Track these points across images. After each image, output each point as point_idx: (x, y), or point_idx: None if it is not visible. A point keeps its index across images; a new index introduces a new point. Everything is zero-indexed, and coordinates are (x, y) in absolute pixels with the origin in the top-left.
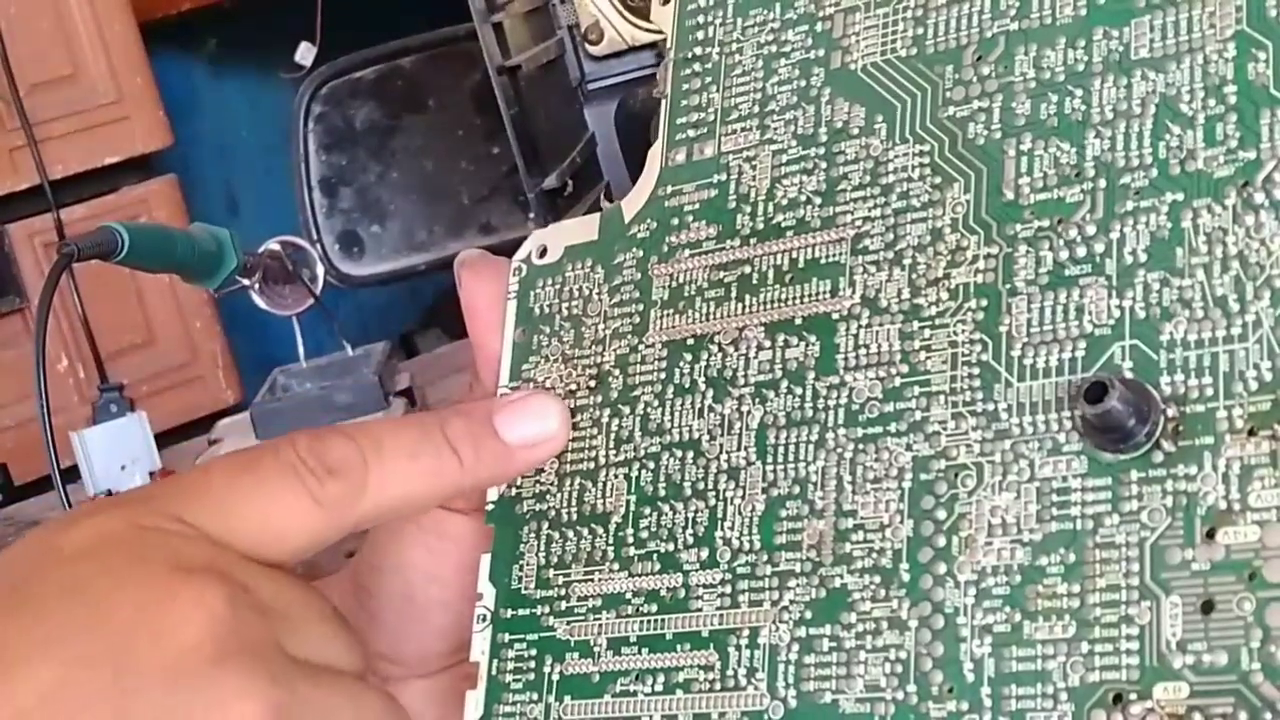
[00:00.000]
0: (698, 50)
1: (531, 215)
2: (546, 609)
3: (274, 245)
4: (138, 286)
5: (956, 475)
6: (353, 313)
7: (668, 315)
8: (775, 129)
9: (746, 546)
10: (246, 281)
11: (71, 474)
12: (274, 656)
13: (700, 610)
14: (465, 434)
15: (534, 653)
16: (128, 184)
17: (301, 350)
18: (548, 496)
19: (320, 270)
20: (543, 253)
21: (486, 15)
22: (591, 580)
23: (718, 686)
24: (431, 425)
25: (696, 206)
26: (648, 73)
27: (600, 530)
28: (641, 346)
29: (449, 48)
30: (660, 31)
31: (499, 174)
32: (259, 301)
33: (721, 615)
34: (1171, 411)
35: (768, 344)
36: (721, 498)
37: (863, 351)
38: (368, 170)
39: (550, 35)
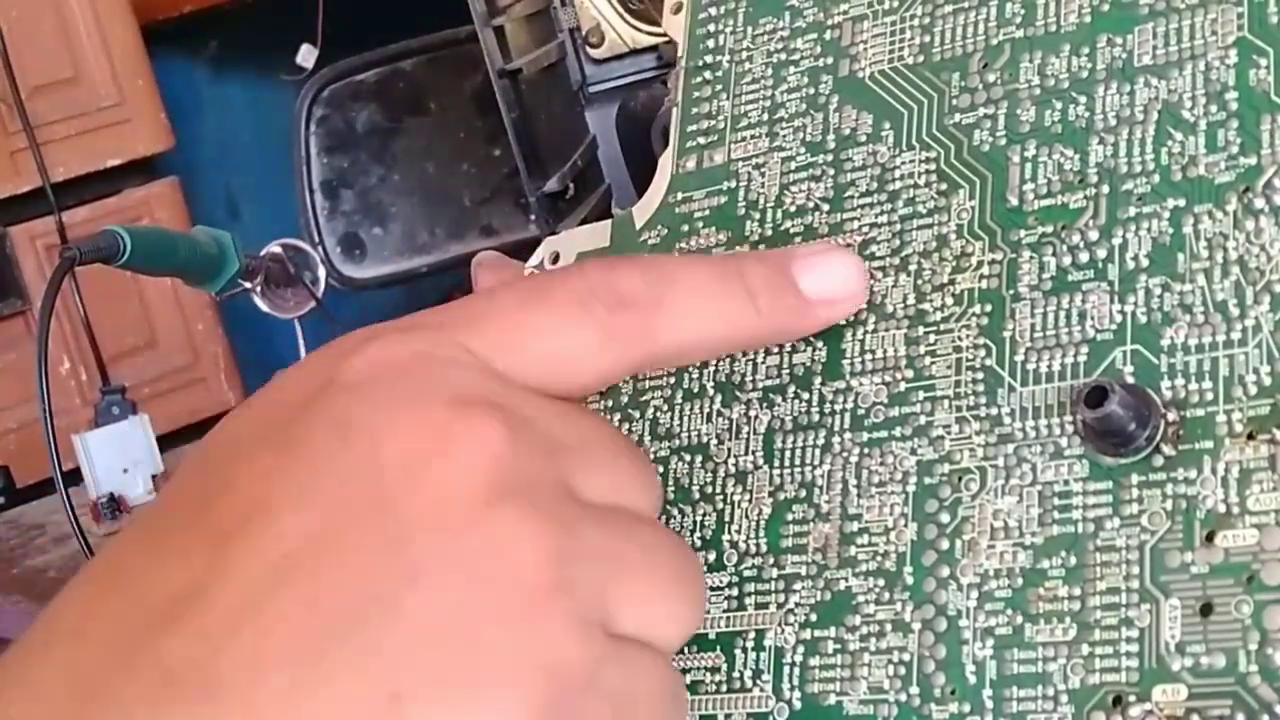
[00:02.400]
0: (708, 58)
1: (533, 218)
2: None
3: (275, 248)
4: (139, 289)
5: (960, 479)
6: (354, 315)
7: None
8: (784, 136)
9: (753, 550)
10: (248, 284)
11: (73, 476)
12: (556, 497)
13: (707, 612)
14: (764, 281)
15: None
16: (129, 186)
17: (303, 352)
18: None
19: (322, 273)
20: (555, 259)
21: (487, 19)
22: None
23: (724, 688)
24: (731, 267)
25: (706, 213)
26: (649, 76)
27: None
28: None
29: (450, 50)
30: (661, 34)
31: (500, 176)
32: (261, 304)
33: (728, 618)
34: (1172, 416)
35: (775, 349)
36: (729, 501)
37: (868, 357)
38: (369, 172)
39: (551, 38)
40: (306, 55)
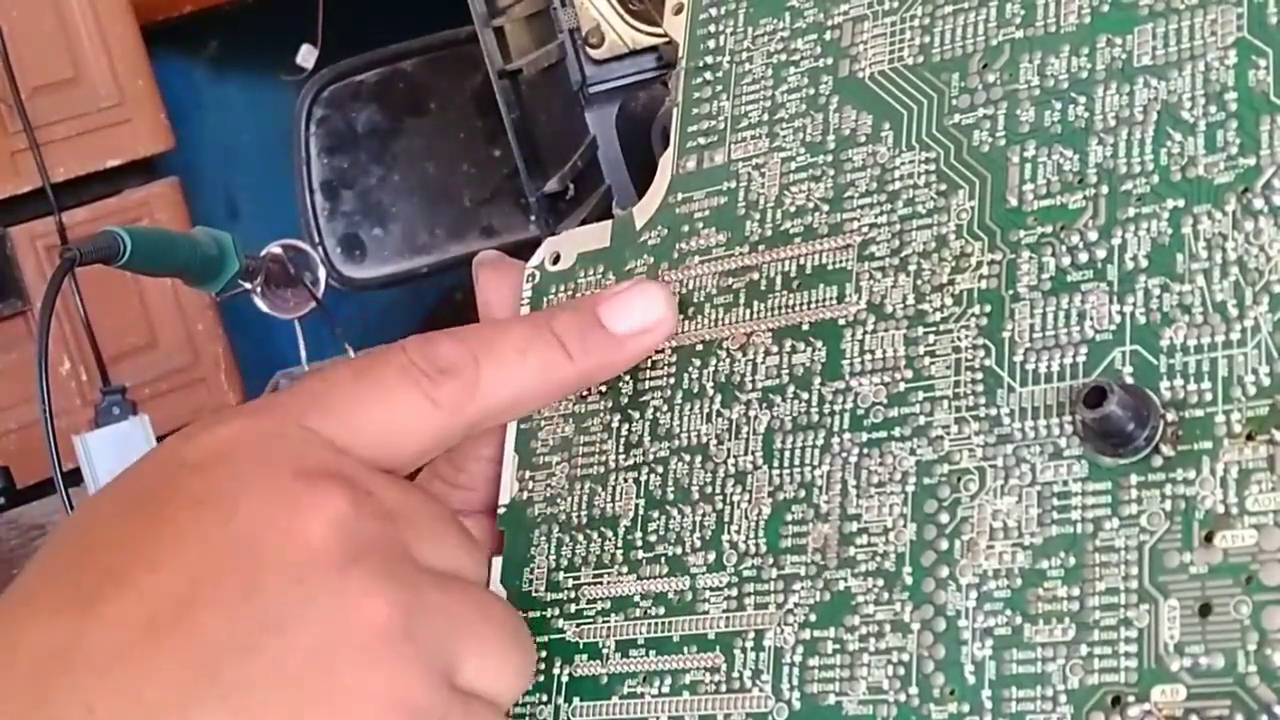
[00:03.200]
0: (709, 59)
1: (533, 218)
2: (556, 611)
3: (276, 248)
4: (140, 289)
5: (959, 479)
6: (354, 315)
7: (675, 330)
8: (784, 136)
9: (752, 550)
10: (248, 285)
11: (74, 477)
12: (400, 560)
13: (707, 613)
14: (573, 327)
15: (543, 654)
16: (129, 187)
17: (303, 353)
18: (558, 500)
19: (322, 273)
20: (556, 259)
21: (488, 19)
22: (600, 583)
23: (723, 688)
24: (539, 322)
25: (706, 213)
26: (649, 76)
27: (609, 533)
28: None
29: (450, 51)
30: (661, 35)
31: (500, 176)
32: (261, 305)
33: (727, 618)
34: (1171, 416)
35: (775, 349)
36: (729, 501)
37: (868, 357)
38: (369, 173)
39: (551, 39)
40: (306, 55)
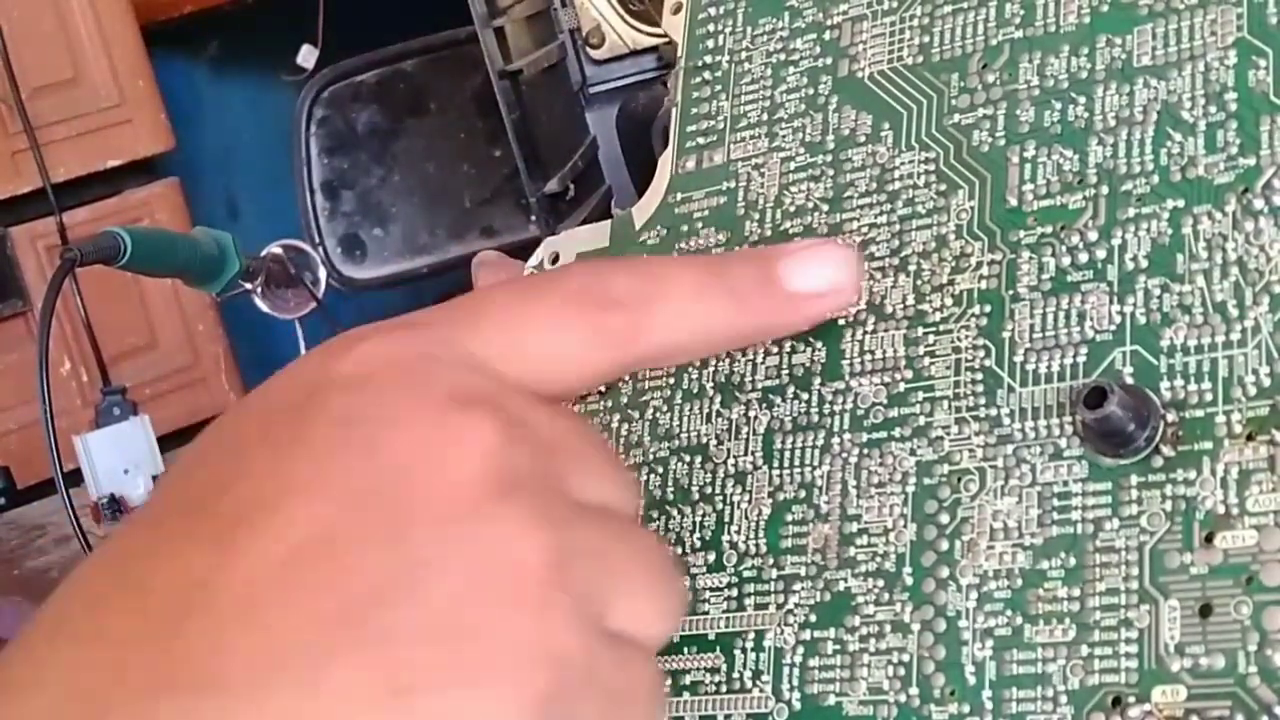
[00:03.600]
0: (708, 59)
1: (533, 218)
2: None
3: (276, 249)
4: (140, 290)
5: (959, 480)
6: (355, 316)
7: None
8: (784, 136)
9: (753, 550)
10: (249, 285)
11: (74, 477)
12: (553, 496)
13: (707, 613)
14: (750, 279)
15: None
16: (130, 187)
17: (304, 353)
18: None
19: (322, 273)
20: (555, 259)
21: (488, 20)
22: None
23: (723, 689)
24: (717, 267)
25: (706, 213)
26: (649, 76)
27: None
28: None
29: (451, 51)
30: (662, 35)
31: (501, 177)
32: (261, 305)
33: (728, 618)
34: (1171, 416)
35: (774, 350)
36: (728, 502)
37: (868, 357)
38: (369, 173)
39: (552, 39)
40: (307, 56)
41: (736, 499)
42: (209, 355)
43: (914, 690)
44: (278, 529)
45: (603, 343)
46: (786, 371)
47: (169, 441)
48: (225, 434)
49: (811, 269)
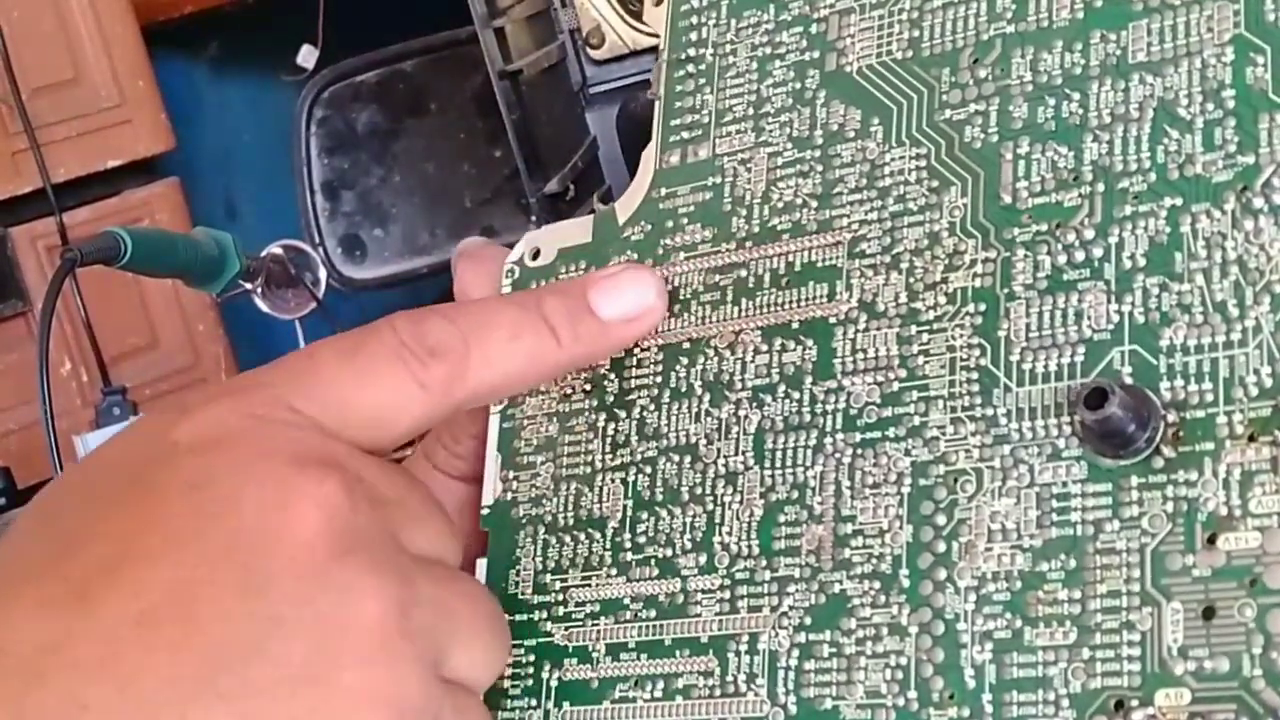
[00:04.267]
0: (691, 51)
1: (533, 218)
2: (544, 614)
3: (276, 249)
4: (140, 290)
5: (956, 480)
6: (355, 316)
7: (663, 318)
8: (770, 131)
9: (745, 552)
10: (249, 285)
11: None
12: (394, 550)
13: (699, 616)
14: (562, 311)
15: (532, 658)
16: (130, 187)
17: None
18: (544, 501)
19: (322, 273)
20: (535, 255)
21: (488, 20)
22: (589, 585)
23: (717, 693)
24: (530, 305)
25: (691, 209)
26: (649, 76)
27: (597, 535)
28: (637, 350)
29: (451, 51)
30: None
31: (501, 177)
32: (261, 305)
33: (720, 621)
34: (1172, 417)
35: (764, 348)
36: (719, 503)
37: (860, 356)
38: (370, 173)
39: (552, 39)
40: (307, 56)
41: (728, 500)
42: (209, 355)
43: (912, 694)
44: (135, 587)
45: (426, 391)
46: (777, 370)
47: None
48: (67, 500)
49: (619, 295)
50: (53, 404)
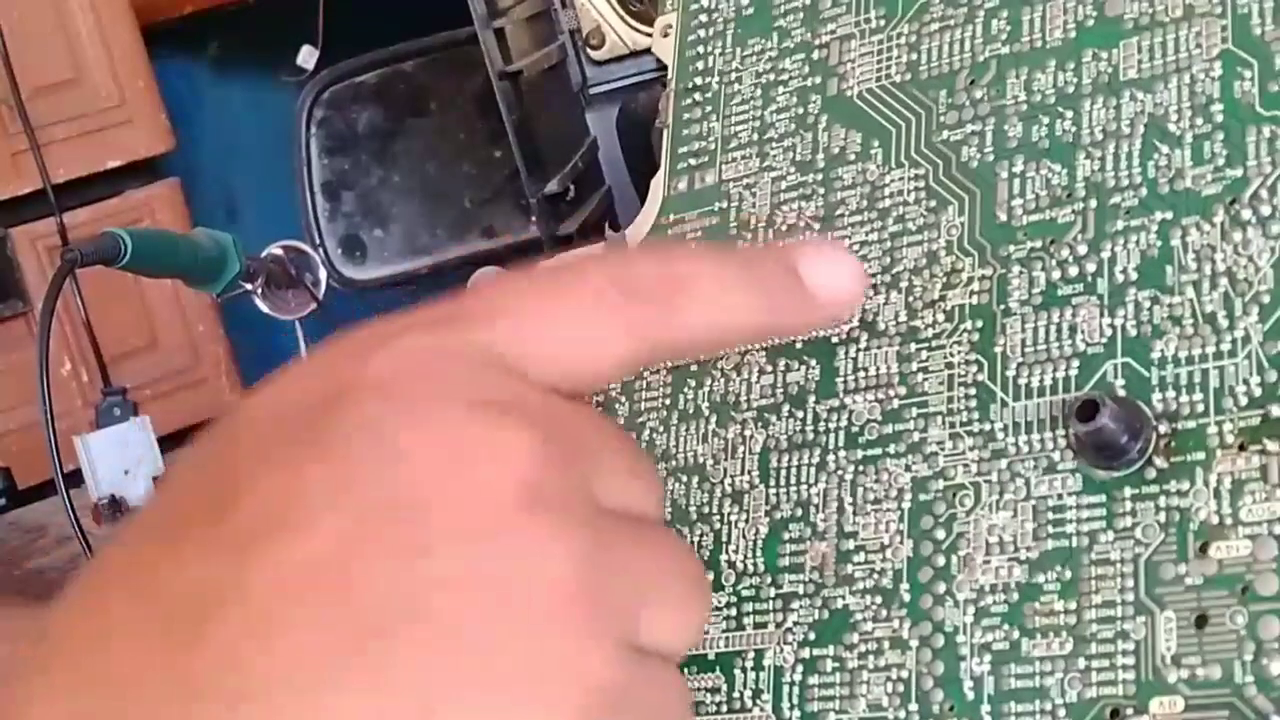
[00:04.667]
0: (698, 80)
1: (534, 219)
2: None
3: (276, 249)
4: (141, 290)
5: (954, 495)
6: (355, 316)
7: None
8: (774, 156)
9: (750, 569)
10: (249, 286)
11: (75, 478)
12: (583, 503)
13: (706, 633)
14: (776, 275)
15: None
16: (130, 188)
17: (304, 354)
18: None
19: (323, 274)
20: None
21: (488, 21)
22: None
23: (724, 709)
24: (742, 261)
25: (699, 234)
26: (649, 77)
27: None
28: (647, 373)
29: (451, 52)
30: None
31: (501, 177)
32: (262, 305)
33: (727, 638)
34: (1163, 428)
35: (769, 369)
36: (726, 521)
37: (861, 374)
38: (370, 174)
39: (552, 40)
40: (307, 56)
41: (734, 518)
42: (209, 356)
43: (913, 706)
44: (297, 541)
45: (629, 335)
46: (781, 390)
47: (170, 442)
48: (239, 434)
49: (829, 269)
50: (53, 404)
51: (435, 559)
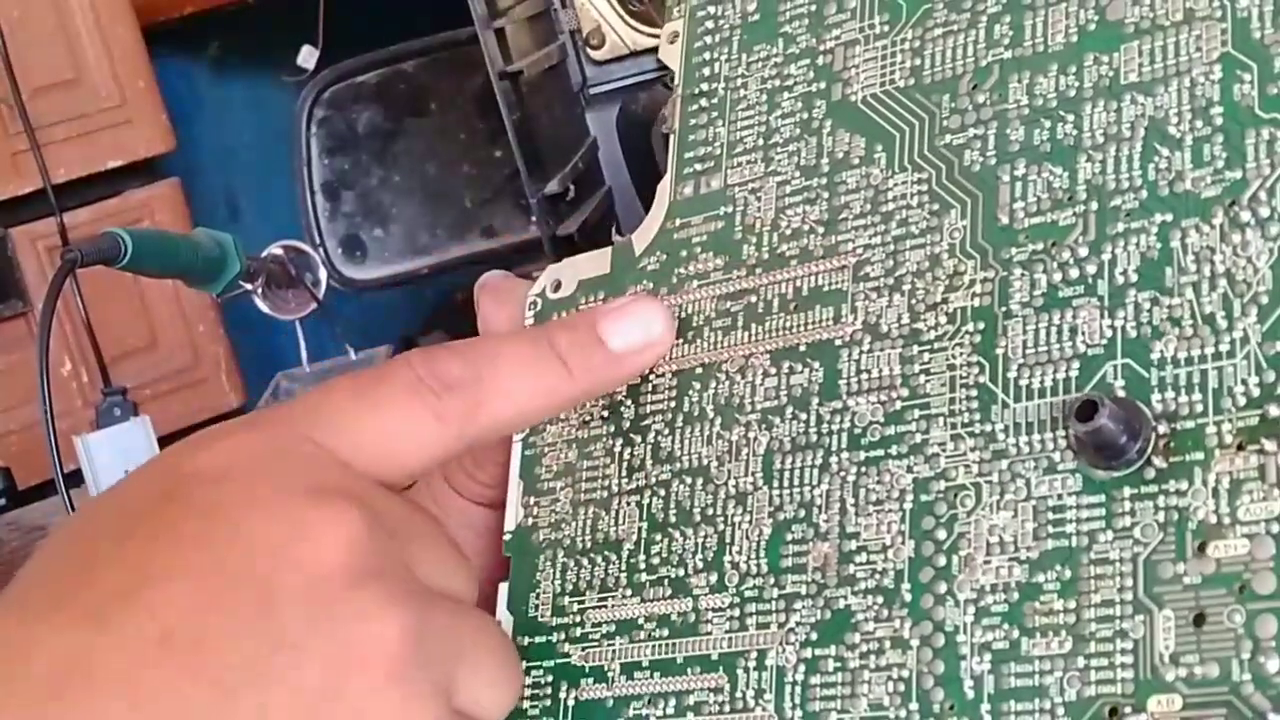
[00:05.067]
0: (704, 86)
1: (534, 219)
2: (562, 636)
3: (277, 249)
4: (141, 290)
5: (956, 496)
6: (355, 316)
7: (677, 345)
8: (779, 161)
9: (754, 570)
10: (249, 286)
11: (75, 478)
12: (407, 580)
13: (709, 634)
14: (573, 345)
15: (550, 679)
16: (130, 188)
17: (304, 354)
18: (563, 525)
19: (323, 274)
20: (557, 287)
21: (488, 21)
22: (605, 606)
23: (727, 709)
24: (541, 339)
25: (704, 238)
26: (649, 77)
27: (613, 557)
28: (652, 376)
29: (451, 52)
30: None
31: (501, 177)
32: (262, 305)
33: (730, 638)
34: (1162, 428)
35: (773, 371)
36: (730, 523)
37: (864, 376)
38: (370, 174)
39: (552, 40)
40: (307, 56)
41: (737, 519)
42: (210, 356)
43: (914, 706)
44: (151, 610)
45: (441, 425)
46: (785, 392)
47: (170, 442)
48: (87, 528)
49: (628, 326)
50: (53, 404)
51: (277, 624)
